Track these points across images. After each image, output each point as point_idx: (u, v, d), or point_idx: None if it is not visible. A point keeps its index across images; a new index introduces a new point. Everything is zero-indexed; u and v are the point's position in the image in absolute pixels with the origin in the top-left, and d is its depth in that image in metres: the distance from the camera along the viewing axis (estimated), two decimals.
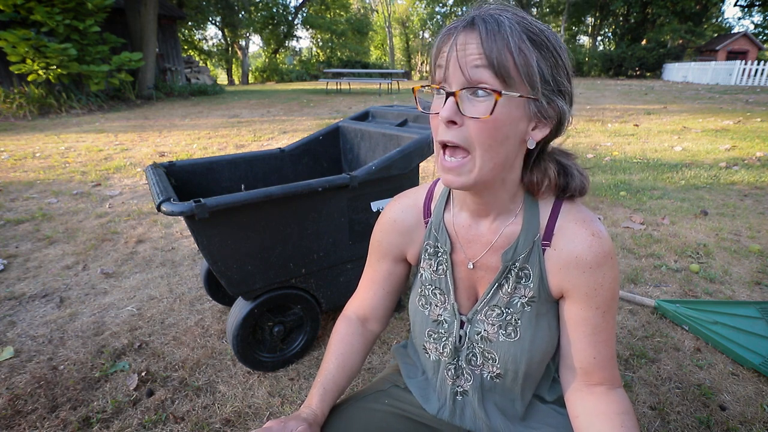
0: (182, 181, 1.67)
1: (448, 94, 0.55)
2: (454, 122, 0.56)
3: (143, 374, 1.52)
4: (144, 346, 1.69)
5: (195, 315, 1.90)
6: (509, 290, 0.68)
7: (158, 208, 1.18)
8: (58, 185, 3.89)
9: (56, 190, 3.73)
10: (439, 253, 0.74)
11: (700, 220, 2.86)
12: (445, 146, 0.59)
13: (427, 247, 0.76)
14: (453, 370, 0.76)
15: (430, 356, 0.78)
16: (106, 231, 2.85)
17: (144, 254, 2.52)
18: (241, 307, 1.44)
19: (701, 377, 1.48)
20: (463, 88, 0.55)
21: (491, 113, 0.54)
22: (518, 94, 0.55)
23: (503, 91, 0.53)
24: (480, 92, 0.54)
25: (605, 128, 6.39)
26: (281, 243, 1.40)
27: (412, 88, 0.64)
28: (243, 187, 1.85)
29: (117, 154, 5.16)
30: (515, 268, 0.67)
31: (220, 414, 1.35)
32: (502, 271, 0.68)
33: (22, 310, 1.96)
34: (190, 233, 2.47)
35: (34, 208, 3.29)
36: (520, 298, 0.68)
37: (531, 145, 0.60)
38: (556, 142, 0.67)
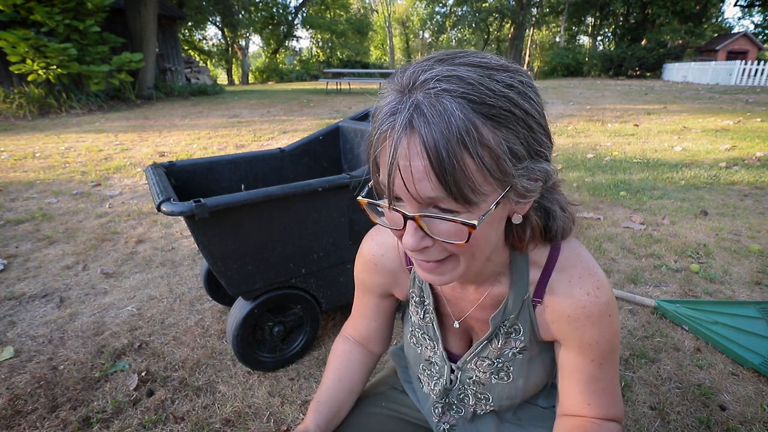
0: (182, 181, 1.67)
1: (406, 218, 0.45)
2: (426, 246, 0.47)
3: (143, 374, 1.52)
4: (144, 346, 1.69)
5: (195, 315, 1.90)
6: (499, 345, 0.66)
7: (158, 208, 1.18)
8: (58, 185, 3.89)
9: (56, 190, 3.73)
10: (425, 303, 0.71)
11: (700, 220, 2.86)
12: None
13: (413, 294, 0.72)
14: (440, 408, 0.75)
15: (423, 387, 0.78)
16: (106, 231, 2.85)
17: (144, 254, 2.52)
18: (241, 307, 1.44)
19: (701, 377, 1.48)
20: (423, 215, 0.44)
21: (467, 240, 0.44)
22: (494, 205, 0.44)
23: (476, 223, 0.42)
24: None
25: (605, 128, 6.38)
26: (281, 243, 1.40)
27: (358, 201, 0.50)
28: (243, 187, 1.85)
29: (117, 154, 5.16)
30: (505, 327, 0.64)
31: (220, 414, 1.35)
32: (492, 333, 0.65)
33: (22, 310, 1.96)
34: (190, 233, 2.46)
35: (34, 208, 3.29)
36: (511, 350, 0.66)
37: (518, 221, 0.53)
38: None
